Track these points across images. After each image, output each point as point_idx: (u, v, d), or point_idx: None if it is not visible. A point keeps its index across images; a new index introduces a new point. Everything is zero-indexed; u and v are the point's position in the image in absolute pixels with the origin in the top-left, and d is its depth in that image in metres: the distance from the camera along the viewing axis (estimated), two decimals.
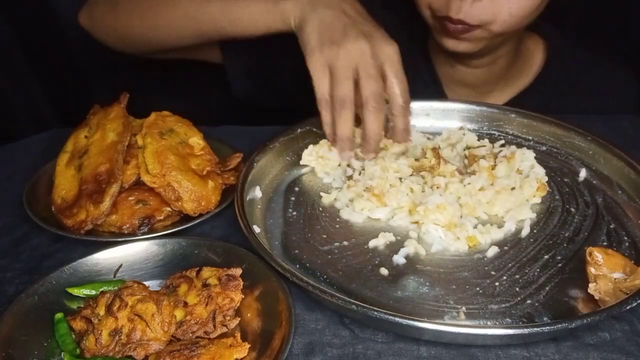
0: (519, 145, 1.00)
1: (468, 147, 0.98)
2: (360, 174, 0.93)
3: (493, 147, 0.99)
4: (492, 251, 0.81)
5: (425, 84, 1.21)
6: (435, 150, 0.92)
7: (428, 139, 1.03)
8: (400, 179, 0.91)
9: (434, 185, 0.90)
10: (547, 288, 0.75)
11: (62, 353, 0.67)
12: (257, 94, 1.24)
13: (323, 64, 0.87)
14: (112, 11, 1.10)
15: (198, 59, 1.22)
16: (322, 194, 0.92)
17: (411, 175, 0.92)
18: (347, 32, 0.87)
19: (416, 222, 0.86)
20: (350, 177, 0.94)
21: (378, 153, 0.94)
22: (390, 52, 0.87)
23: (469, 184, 0.89)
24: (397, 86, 0.88)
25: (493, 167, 0.92)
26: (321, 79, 0.88)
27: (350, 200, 0.90)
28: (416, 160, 0.95)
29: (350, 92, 0.87)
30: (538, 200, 0.91)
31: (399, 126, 0.92)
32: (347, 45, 0.86)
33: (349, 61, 0.86)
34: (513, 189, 0.90)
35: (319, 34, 0.88)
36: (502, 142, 1.01)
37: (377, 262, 0.80)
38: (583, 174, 0.97)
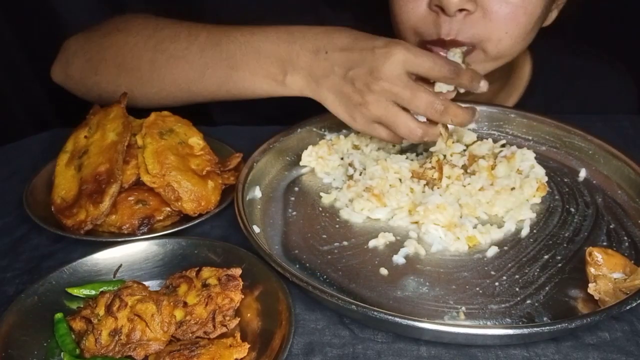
0: (519, 146, 1.00)
1: (468, 146, 0.98)
2: (360, 174, 0.93)
3: (494, 147, 0.99)
4: (492, 251, 0.81)
5: None
6: (439, 163, 0.91)
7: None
8: (400, 179, 0.91)
9: (434, 186, 0.90)
10: (547, 288, 0.75)
11: (62, 353, 0.67)
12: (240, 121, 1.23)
13: (368, 124, 0.88)
14: (93, 76, 1.05)
15: None
16: (322, 194, 0.92)
17: (411, 177, 0.92)
18: (359, 88, 0.85)
19: (416, 222, 0.86)
20: (350, 177, 0.94)
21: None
22: (399, 60, 0.83)
23: (469, 184, 0.90)
24: (432, 71, 0.84)
25: (493, 167, 0.92)
26: (383, 133, 0.88)
27: (350, 200, 0.90)
28: (420, 165, 0.94)
29: (411, 117, 0.85)
30: (538, 200, 0.91)
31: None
32: (368, 99, 0.85)
33: (383, 108, 0.85)
34: (513, 189, 0.90)
35: (342, 108, 0.88)
36: (503, 141, 1.01)
37: (377, 262, 0.80)
38: (583, 174, 0.97)
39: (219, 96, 1.00)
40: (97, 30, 1.08)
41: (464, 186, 0.90)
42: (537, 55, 1.19)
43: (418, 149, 1.03)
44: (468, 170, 0.93)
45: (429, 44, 0.96)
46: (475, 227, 0.84)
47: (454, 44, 0.94)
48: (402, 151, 1.02)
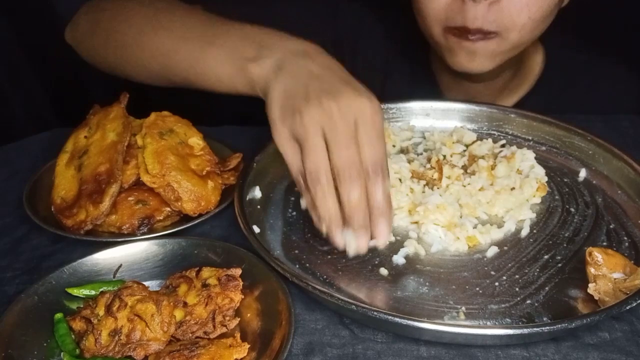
0: (519, 146, 1.00)
1: (468, 146, 0.98)
2: None
3: (494, 147, 0.99)
4: (492, 251, 0.81)
5: (426, 95, 1.20)
6: (439, 163, 0.91)
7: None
8: (400, 179, 0.91)
9: (434, 186, 0.90)
10: (547, 288, 0.75)
11: (62, 353, 0.67)
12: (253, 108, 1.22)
13: (287, 137, 0.74)
14: (90, 37, 1.06)
15: None
16: None
17: (411, 178, 0.92)
18: (310, 95, 0.73)
19: (416, 222, 0.86)
20: None
21: (387, 233, 0.73)
22: (362, 108, 0.72)
23: (469, 184, 0.90)
24: (366, 151, 0.71)
25: (493, 167, 0.92)
26: (290, 154, 0.74)
27: None
28: (420, 166, 0.94)
29: (322, 161, 0.71)
30: (538, 200, 0.91)
31: (371, 202, 0.72)
32: (309, 110, 0.72)
33: (314, 127, 0.71)
34: (513, 189, 0.90)
35: (280, 104, 0.76)
36: (503, 141, 1.01)
37: (377, 262, 0.80)
38: (583, 174, 0.97)
39: (185, 75, 0.92)
40: None
41: (464, 186, 0.90)
42: (549, 49, 1.20)
43: (418, 148, 1.03)
44: (468, 170, 0.93)
45: (454, 29, 0.98)
46: (475, 227, 0.84)
47: (479, 32, 0.96)
48: (401, 151, 1.02)
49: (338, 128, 0.71)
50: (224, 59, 0.86)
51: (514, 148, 0.97)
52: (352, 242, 0.72)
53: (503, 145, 0.99)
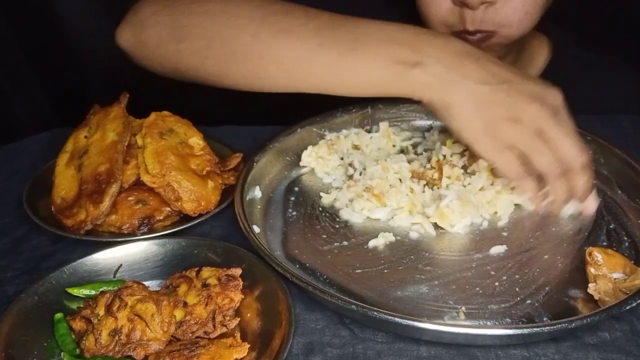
0: None
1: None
2: (360, 174, 0.93)
3: None
4: (493, 251, 0.81)
5: None
6: (439, 163, 0.91)
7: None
8: (400, 179, 0.91)
9: (434, 186, 0.90)
10: (547, 288, 0.75)
11: (62, 353, 0.67)
12: (268, 100, 1.21)
13: (498, 147, 0.78)
14: (176, 43, 0.92)
15: None
16: (321, 194, 0.92)
17: (411, 178, 0.92)
18: (517, 101, 0.76)
19: (417, 223, 0.86)
20: (350, 177, 0.94)
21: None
22: (557, 99, 0.78)
23: (469, 184, 0.89)
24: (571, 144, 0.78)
25: (493, 167, 0.92)
26: (508, 160, 0.78)
27: (350, 200, 0.90)
28: (420, 165, 0.94)
29: (552, 160, 0.78)
30: None
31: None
32: (523, 116, 0.76)
33: (531, 131, 0.76)
34: (513, 188, 0.90)
35: (482, 114, 0.77)
36: None
37: (377, 262, 0.80)
38: None
39: (322, 84, 0.87)
40: None
41: (464, 186, 0.89)
42: (557, 45, 1.21)
43: (418, 149, 1.03)
44: (468, 170, 0.93)
45: (458, 34, 0.99)
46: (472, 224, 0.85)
47: (479, 32, 0.98)
48: (401, 151, 1.02)
49: (554, 126, 0.76)
50: (376, 65, 0.81)
51: None
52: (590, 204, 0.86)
53: None
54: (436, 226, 0.85)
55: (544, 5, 1.02)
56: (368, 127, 1.07)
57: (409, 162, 0.94)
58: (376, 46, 0.82)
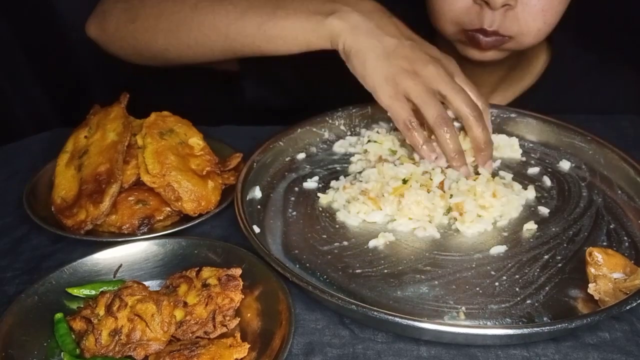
0: (521, 146, 1.01)
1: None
2: (355, 177, 0.93)
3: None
4: (492, 251, 0.81)
5: None
6: (441, 184, 0.90)
7: None
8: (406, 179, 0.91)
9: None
10: (547, 288, 0.75)
11: (62, 353, 0.67)
12: (269, 96, 1.23)
13: (399, 93, 0.87)
14: (130, 24, 1.03)
15: (212, 69, 1.20)
16: (319, 194, 0.92)
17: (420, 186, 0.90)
18: (419, 57, 0.86)
19: (416, 225, 0.86)
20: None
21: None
22: (454, 66, 0.89)
23: (469, 185, 0.89)
24: (473, 94, 0.89)
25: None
26: (402, 107, 0.87)
27: (347, 201, 0.89)
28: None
29: (444, 111, 0.87)
30: (537, 200, 0.91)
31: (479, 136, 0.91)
32: (422, 71, 0.86)
33: (429, 86, 0.86)
34: (513, 188, 0.90)
35: (387, 63, 0.86)
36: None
37: (377, 262, 0.80)
38: (583, 173, 0.97)
39: (254, 43, 0.96)
40: None
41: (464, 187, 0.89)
42: (557, 48, 1.20)
43: None
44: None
45: (470, 32, 1.00)
46: (472, 220, 0.85)
47: (495, 34, 0.98)
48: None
49: (450, 82, 0.86)
50: (298, 18, 0.90)
51: (502, 136, 0.99)
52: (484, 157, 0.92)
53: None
54: (438, 228, 0.85)
55: (559, 17, 1.02)
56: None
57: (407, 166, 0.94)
58: (299, 3, 0.91)
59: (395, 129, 0.99)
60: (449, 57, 0.92)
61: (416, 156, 0.96)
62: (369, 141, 1.00)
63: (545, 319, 0.71)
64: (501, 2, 0.94)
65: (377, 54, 0.86)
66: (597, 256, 0.73)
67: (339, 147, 1.03)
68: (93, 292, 0.73)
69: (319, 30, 0.89)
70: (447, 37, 1.06)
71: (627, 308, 0.67)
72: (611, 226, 0.86)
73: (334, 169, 0.99)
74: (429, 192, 0.88)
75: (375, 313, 0.66)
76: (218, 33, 0.97)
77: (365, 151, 0.99)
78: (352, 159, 1.00)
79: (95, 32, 1.08)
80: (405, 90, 0.87)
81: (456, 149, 0.89)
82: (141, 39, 1.03)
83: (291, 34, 0.92)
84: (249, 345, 0.66)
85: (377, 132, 1.02)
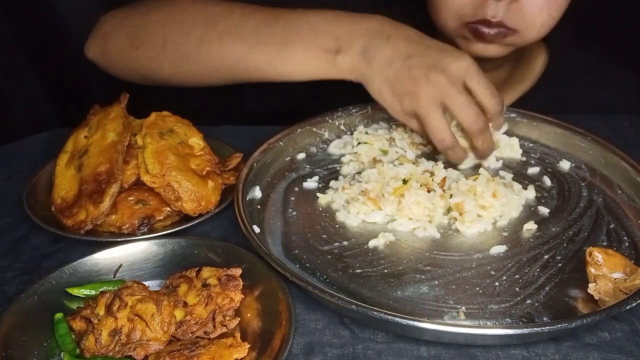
0: (521, 146, 1.01)
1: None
2: (354, 177, 0.93)
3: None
4: (492, 251, 0.81)
5: None
6: (443, 181, 0.90)
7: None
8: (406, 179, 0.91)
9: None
10: (547, 288, 0.75)
11: (62, 353, 0.67)
12: (269, 96, 1.23)
13: (406, 116, 0.90)
14: (133, 51, 1.02)
15: None
16: (318, 194, 0.92)
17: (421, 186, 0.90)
18: (417, 75, 0.86)
19: (416, 226, 0.86)
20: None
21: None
22: (464, 65, 0.87)
23: (469, 185, 0.89)
24: (485, 96, 0.89)
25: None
26: (415, 126, 0.91)
27: (346, 202, 0.89)
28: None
29: (445, 130, 0.88)
30: (537, 200, 0.91)
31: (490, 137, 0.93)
32: (422, 90, 0.86)
33: (431, 104, 0.86)
34: (513, 188, 0.90)
35: (391, 90, 0.89)
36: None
37: (377, 262, 0.80)
38: (583, 173, 0.97)
39: (265, 76, 0.98)
40: (138, 7, 1.06)
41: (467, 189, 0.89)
42: (554, 48, 1.20)
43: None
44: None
45: (473, 23, 0.98)
46: (472, 220, 0.85)
47: (500, 25, 0.97)
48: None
49: (453, 95, 0.85)
50: (307, 56, 0.93)
51: (502, 136, 0.99)
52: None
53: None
54: (438, 228, 0.85)
55: (563, 12, 1.01)
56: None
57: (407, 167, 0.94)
58: (306, 39, 0.93)
59: (398, 125, 1.02)
60: (461, 55, 0.89)
61: (412, 155, 0.97)
62: (358, 143, 1.00)
63: (545, 319, 0.71)
64: None
65: (380, 83, 0.90)
66: (597, 256, 0.73)
67: (334, 148, 1.04)
68: (93, 292, 0.73)
69: (331, 69, 0.93)
70: (448, 33, 1.04)
71: (627, 308, 0.67)
72: (611, 226, 0.86)
73: (334, 169, 0.99)
74: (429, 192, 0.88)
75: (375, 313, 0.66)
76: (227, 67, 0.98)
77: (356, 153, 0.99)
78: (343, 159, 1.00)
79: (96, 55, 1.08)
80: (411, 110, 0.89)
81: (462, 158, 0.93)
82: (146, 66, 1.03)
83: (301, 70, 0.95)
84: (249, 345, 0.66)
85: (367, 133, 1.02)
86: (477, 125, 0.88)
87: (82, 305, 0.71)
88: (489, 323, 0.71)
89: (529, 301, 0.73)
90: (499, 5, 0.95)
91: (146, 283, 0.73)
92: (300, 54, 0.93)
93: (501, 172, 0.96)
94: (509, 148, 1.01)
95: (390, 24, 0.91)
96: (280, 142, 1.00)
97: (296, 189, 0.95)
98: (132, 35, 1.03)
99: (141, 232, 0.85)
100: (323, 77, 0.94)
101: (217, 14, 0.99)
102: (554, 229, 0.85)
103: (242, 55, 0.96)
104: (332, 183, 0.94)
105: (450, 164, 0.96)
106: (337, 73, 0.92)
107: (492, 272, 0.78)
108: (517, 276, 0.77)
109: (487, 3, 0.95)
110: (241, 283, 0.73)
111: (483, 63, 1.09)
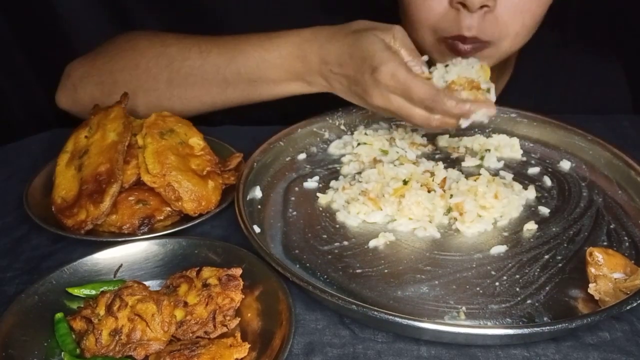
0: (521, 146, 1.02)
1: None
2: (354, 177, 0.93)
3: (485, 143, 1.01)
4: (493, 251, 0.81)
5: None
6: (443, 181, 0.90)
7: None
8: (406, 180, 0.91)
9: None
10: (547, 288, 0.75)
11: (62, 353, 0.67)
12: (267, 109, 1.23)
13: (381, 108, 0.91)
14: (106, 97, 1.02)
15: None
16: (318, 194, 0.92)
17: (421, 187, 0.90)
18: (361, 91, 0.90)
19: (416, 226, 0.86)
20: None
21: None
22: (389, 71, 0.87)
23: (469, 185, 0.89)
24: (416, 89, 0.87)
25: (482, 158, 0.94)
26: (388, 113, 0.92)
27: (346, 202, 0.89)
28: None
29: (417, 114, 0.87)
30: (538, 200, 0.91)
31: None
32: (371, 93, 0.88)
33: (384, 98, 0.88)
34: (513, 188, 0.90)
35: (356, 99, 0.93)
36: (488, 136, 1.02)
37: (377, 262, 0.80)
38: (583, 173, 0.97)
39: (243, 104, 1.04)
40: (100, 54, 1.09)
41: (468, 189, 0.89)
42: (522, 50, 1.19)
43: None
44: (463, 164, 0.94)
45: (449, 39, 0.97)
46: (472, 220, 0.85)
47: (475, 41, 0.95)
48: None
49: (396, 82, 0.86)
50: (279, 86, 0.99)
51: (502, 136, 0.99)
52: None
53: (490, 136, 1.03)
54: (438, 228, 0.85)
55: (538, 22, 1.00)
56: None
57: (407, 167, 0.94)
58: (272, 76, 0.99)
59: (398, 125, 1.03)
60: (386, 29, 0.92)
61: (413, 155, 0.97)
62: (358, 144, 1.00)
63: (545, 319, 0.71)
64: (479, 2, 0.91)
65: (340, 92, 0.95)
66: (598, 256, 0.73)
67: (334, 148, 1.04)
68: (93, 292, 0.73)
69: (306, 90, 0.99)
70: (426, 48, 1.02)
71: (627, 308, 0.67)
72: (611, 226, 0.86)
73: (334, 169, 0.99)
74: (429, 192, 0.88)
75: (375, 313, 0.66)
76: (204, 104, 1.04)
77: (357, 153, 0.99)
78: (343, 159, 1.00)
79: (68, 105, 1.10)
80: (373, 107, 0.92)
81: (451, 125, 0.89)
82: None
83: (280, 94, 1.01)
84: (249, 345, 0.66)
85: (366, 133, 1.02)
86: (428, 102, 0.85)
87: (82, 305, 0.71)
88: (489, 323, 0.71)
89: (529, 301, 0.73)
90: (473, 17, 0.93)
91: (146, 283, 0.73)
92: (272, 86, 1.00)
93: (501, 172, 0.96)
94: (510, 148, 1.01)
95: (324, 47, 0.94)
96: (281, 142, 1.00)
97: (296, 189, 0.95)
98: (101, 85, 1.06)
99: (141, 232, 0.85)
100: (307, 93, 0.99)
101: (174, 57, 1.02)
102: (554, 229, 0.86)
103: (216, 94, 1.02)
104: (333, 183, 0.94)
105: (450, 164, 0.96)
106: (311, 91, 0.98)
107: (493, 272, 0.78)
108: (517, 276, 0.77)
109: (461, 16, 0.94)
110: (241, 283, 0.73)
111: None
